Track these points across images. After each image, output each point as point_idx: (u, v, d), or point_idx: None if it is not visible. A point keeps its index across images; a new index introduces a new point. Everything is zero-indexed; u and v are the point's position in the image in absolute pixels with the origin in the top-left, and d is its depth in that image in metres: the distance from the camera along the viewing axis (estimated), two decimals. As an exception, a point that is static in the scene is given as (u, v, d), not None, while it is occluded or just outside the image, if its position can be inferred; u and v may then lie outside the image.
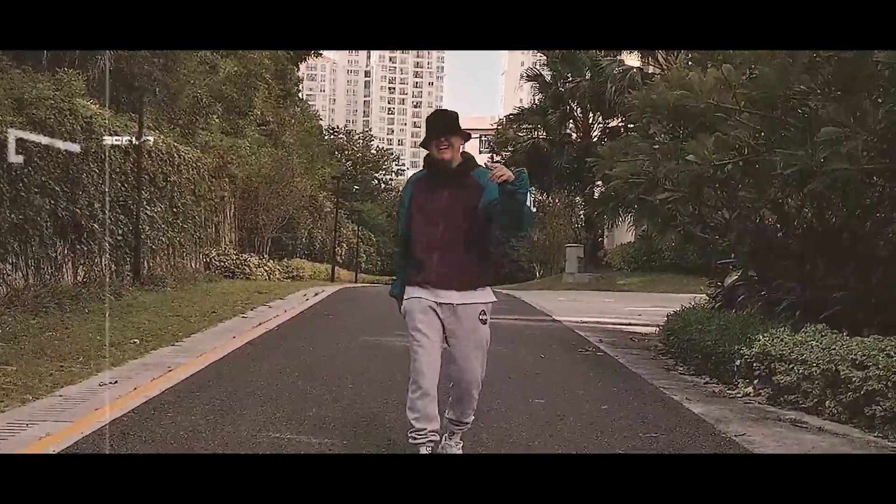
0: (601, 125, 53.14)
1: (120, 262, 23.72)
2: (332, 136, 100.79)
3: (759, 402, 10.52)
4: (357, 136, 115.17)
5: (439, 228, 6.71)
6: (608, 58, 47.36)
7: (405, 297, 6.84)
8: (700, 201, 15.42)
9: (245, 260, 36.38)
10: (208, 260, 34.14)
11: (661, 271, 44.76)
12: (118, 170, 23.23)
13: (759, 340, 11.06)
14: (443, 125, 6.76)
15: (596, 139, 51.62)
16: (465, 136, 6.86)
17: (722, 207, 15.40)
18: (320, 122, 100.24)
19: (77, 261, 20.65)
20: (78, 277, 20.57)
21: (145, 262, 26.11)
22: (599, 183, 50.32)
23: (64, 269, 19.93)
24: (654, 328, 19.00)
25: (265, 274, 37.04)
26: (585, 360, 13.97)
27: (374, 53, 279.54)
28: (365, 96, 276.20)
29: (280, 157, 41.90)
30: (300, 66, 69.35)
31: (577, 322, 20.53)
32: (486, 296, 6.84)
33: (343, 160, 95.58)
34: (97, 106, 22.11)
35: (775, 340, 10.87)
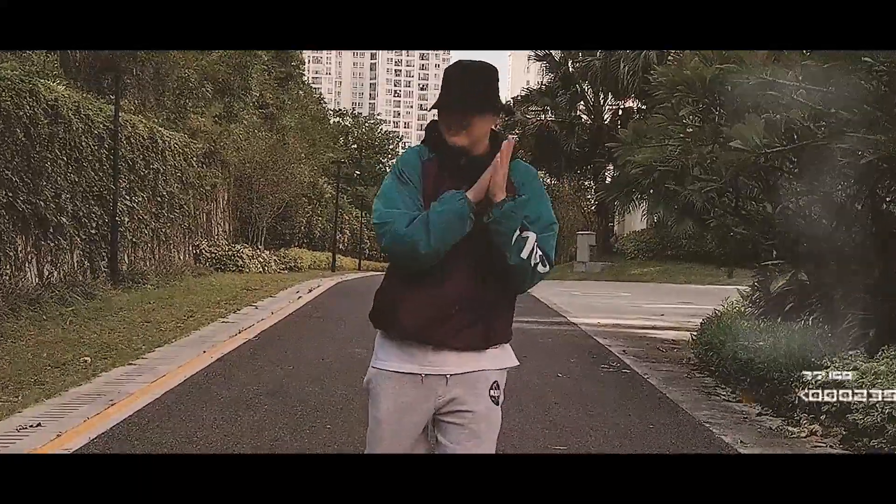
0: (613, 107, 51.85)
1: (95, 258, 21.63)
2: (337, 120, 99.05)
3: (831, 446, 8.55)
4: (364, 119, 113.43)
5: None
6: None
7: (372, 362, 4.31)
8: (738, 192, 13.65)
9: (238, 251, 34.37)
10: (198, 252, 32.13)
11: (677, 260, 43.25)
12: (91, 157, 21.06)
13: (827, 366, 9.07)
14: (473, 95, 4.13)
15: (608, 121, 50.52)
16: (505, 109, 4.50)
17: (764, 200, 13.49)
18: (325, 105, 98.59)
19: (42, 259, 18.64)
20: (44, 277, 18.58)
21: (125, 257, 24.13)
22: (611, 167, 49.81)
23: (26, 269, 17.93)
24: (682, 332, 17.24)
25: (259, 266, 35.07)
26: (611, 382, 11.97)
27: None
28: (371, 79, 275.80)
29: (275, 142, 40.06)
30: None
31: (595, 326, 18.55)
32: (503, 359, 4.27)
33: (349, 143, 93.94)
34: (64, 87, 19.99)
35: (847, 367, 8.88)
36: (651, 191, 15.33)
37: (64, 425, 8.47)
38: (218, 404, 9.55)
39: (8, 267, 17.09)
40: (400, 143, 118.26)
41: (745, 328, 12.34)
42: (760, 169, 11.96)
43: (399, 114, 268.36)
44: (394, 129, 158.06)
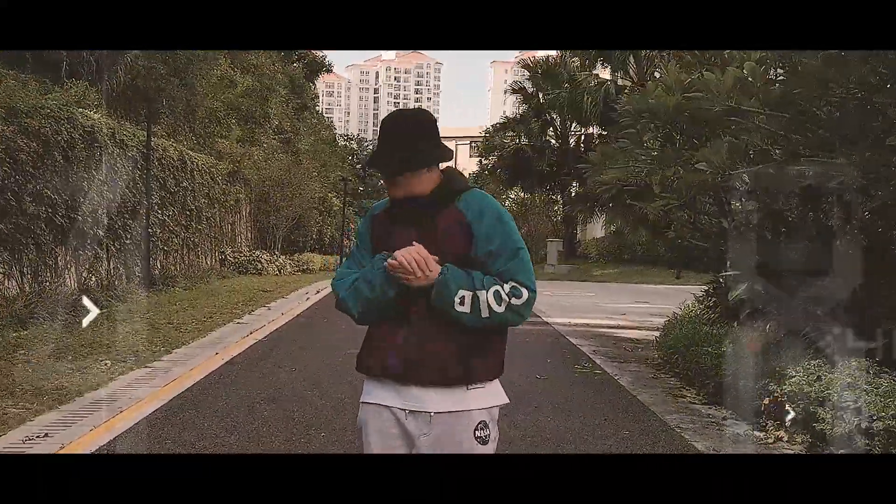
0: (578, 133, 51.81)
1: (130, 265, 20.44)
2: (345, 143, 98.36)
3: (799, 451, 7.46)
4: (367, 143, 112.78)
5: (407, 289, 3.37)
6: (584, 72, 45.24)
7: (361, 397, 3.55)
8: (695, 209, 12.65)
9: (257, 256, 33.21)
10: (223, 257, 30.93)
11: (632, 263, 42.53)
12: (126, 176, 19.84)
13: (793, 378, 7.98)
14: (402, 150, 3.41)
15: (573, 145, 50.60)
16: (442, 157, 3.53)
17: (719, 216, 12.49)
18: (335, 131, 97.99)
19: (81, 267, 17.47)
20: (81, 283, 17.42)
21: (158, 263, 22.96)
22: (576, 184, 49.58)
23: (66, 276, 16.76)
24: (644, 331, 16.23)
25: (276, 269, 33.87)
26: (585, 383, 10.86)
27: (382, 73, 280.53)
28: (374, 109, 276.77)
29: (290, 163, 39.12)
30: (315, 82, 66.95)
31: (567, 325, 17.41)
32: (488, 397, 3.47)
33: (355, 163, 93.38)
34: (99, 115, 18.83)
35: (812, 379, 7.79)
36: (611, 205, 14.94)
37: (71, 435, 7.35)
38: (219, 412, 8.43)
39: (49, 275, 15.94)
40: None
41: (707, 333, 11.25)
42: (719, 188, 10.91)
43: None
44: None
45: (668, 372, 11.59)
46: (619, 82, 43.69)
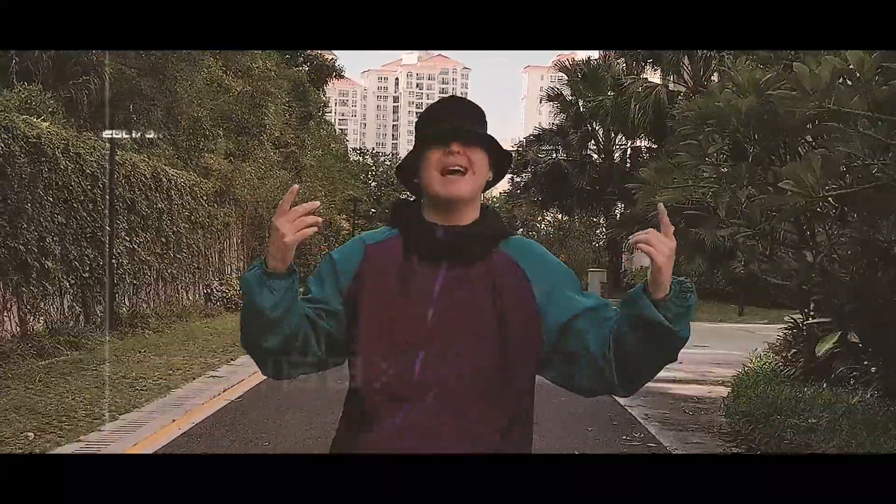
0: (623, 146, 50.53)
1: (89, 302, 19.28)
2: (358, 158, 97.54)
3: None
4: (384, 158, 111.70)
5: (423, 351, 2.79)
6: (631, 76, 44.03)
7: None
8: (774, 239, 11.44)
9: (249, 289, 32.04)
10: (209, 291, 29.76)
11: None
12: (82, 197, 18.70)
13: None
14: (462, 117, 2.97)
15: (618, 160, 49.39)
16: (501, 156, 3.03)
17: (803, 247, 11.28)
18: (347, 144, 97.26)
19: (24, 306, 16.32)
20: (27, 326, 16.29)
21: (125, 301, 21.76)
22: (621, 204, 48.45)
23: (4, 318, 15.62)
24: (705, 386, 15.13)
25: (272, 304, 32.69)
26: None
27: (402, 79, 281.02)
28: (394, 120, 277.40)
29: (290, 181, 37.98)
30: (325, 88, 65.78)
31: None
32: None
33: (369, 181, 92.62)
34: (49, 124, 17.72)
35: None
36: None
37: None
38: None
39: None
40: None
41: (790, 398, 9.97)
42: (803, 213, 9.74)
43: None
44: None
45: (742, 445, 10.30)
46: (672, 87, 42.54)
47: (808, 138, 10.53)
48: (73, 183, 18.13)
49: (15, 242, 15.59)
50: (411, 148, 3.05)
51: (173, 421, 10.99)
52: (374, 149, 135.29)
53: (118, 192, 20.52)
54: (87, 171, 18.87)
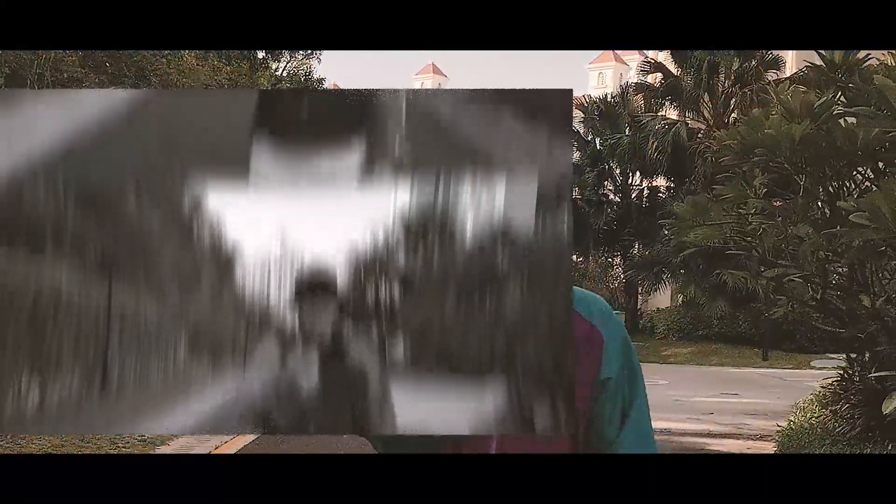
0: (640, 187, 49.58)
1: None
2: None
3: None
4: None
5: None
6: (649, 113, 43.27)
7: None
8: (825, 280, 10.34)
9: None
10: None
11: (709, 340, 39.81)
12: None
13: None
14: None
15: (635, 198, 48.44)
16: None
17: (859, 291, 10.14)
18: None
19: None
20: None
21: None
22: (638, 244, 47.56)
23: None
24: (741, 440, 14.04)
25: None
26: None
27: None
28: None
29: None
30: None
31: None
32: None
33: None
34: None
35: None
36: (682, 270, 13.42)
37: None
38: None
39: None
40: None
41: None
42: (874, 251, 8.66)
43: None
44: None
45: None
46: (691, 124, 41.72)
47: (869, 169, 9.49)
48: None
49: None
50: None
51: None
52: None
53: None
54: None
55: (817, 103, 8.91)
